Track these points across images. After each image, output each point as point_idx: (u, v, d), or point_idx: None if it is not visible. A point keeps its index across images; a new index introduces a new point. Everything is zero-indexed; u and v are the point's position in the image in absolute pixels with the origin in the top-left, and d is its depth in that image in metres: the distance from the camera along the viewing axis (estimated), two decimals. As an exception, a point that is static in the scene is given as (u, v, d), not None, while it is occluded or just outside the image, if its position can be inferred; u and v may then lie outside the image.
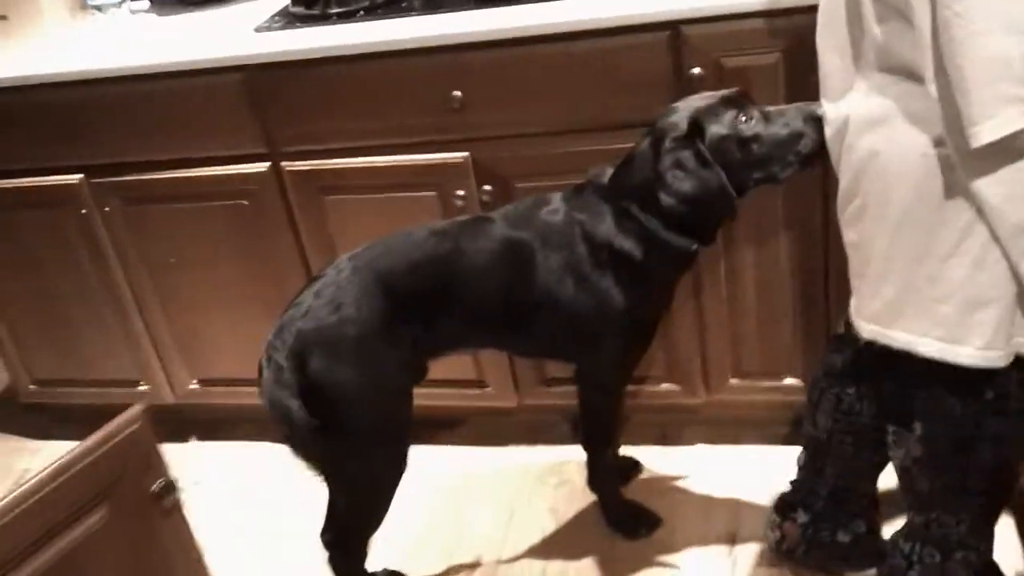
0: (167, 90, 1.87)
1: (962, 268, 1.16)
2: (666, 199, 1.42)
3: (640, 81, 1.65)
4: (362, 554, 1.67)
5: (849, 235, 1.31)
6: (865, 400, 1.48)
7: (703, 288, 1.83)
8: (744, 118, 1.41)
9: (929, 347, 1.22)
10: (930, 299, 1.20)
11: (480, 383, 2.02)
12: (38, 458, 2.28)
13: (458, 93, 1.73)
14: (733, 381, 1.92)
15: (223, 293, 2.06)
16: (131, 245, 2.06)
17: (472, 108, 1.74)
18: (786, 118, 1.41)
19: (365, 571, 1.70)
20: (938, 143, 1.13)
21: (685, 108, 1.45)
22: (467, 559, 1.86)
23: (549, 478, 2.02)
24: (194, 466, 2.21)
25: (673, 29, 1.61)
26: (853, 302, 1.33)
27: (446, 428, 2.18)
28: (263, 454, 2.15)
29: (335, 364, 1.46)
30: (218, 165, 1.92)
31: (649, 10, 1.61)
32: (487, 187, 1.80)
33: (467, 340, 1.64)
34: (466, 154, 1.79)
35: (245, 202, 1.95)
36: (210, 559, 1.31)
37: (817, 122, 1.36)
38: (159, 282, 2.09)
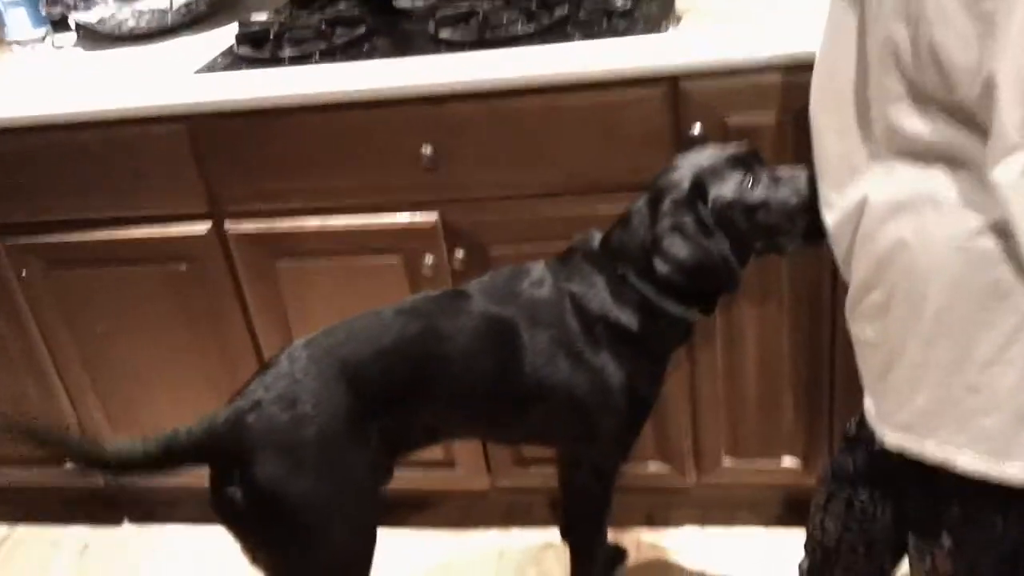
0: (95, 140, 1.65)
1: (1008, 377, 1.02)
2: (661, 267, 1.28)
3: (635, 139, 1.49)
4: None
5: (864, 332, 1.15)
6: (880, 505, 1.33)
7: (697, 360, 1.67)
8: (751, 181, 1.27)
9: (971, 462, 1.08)
10: (971, 411, 1.05)
11: (449, 463, 1.84)
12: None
13: (428, 149, 1.54)
14: (727, 461, 1.77)
15: (159, 367, 1.84)
16: (54, 313, 1.83)
17: (444, 165, 1.56)
18: (797, 183, 1.27)
19: None
20: (979, 234, 0.98)
21: (688, 166, 1.30)
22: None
23: (527, 568, 1.84)
24: (127, 554, 2.00)
25: (671, 83, 1.45)
26: (870, 405, 1.17)
27: (414, 511, 1.98)
28: (205, 539, 1.94)
29: (290, 471, 1.26)
30: (153, 225, 1.71)
31: (643, 63, 1.45)
32: (459, 254, 1.62)
33: (445, 433, 1.47)
34: (436, 216, 1.61)
35: (182, 267, 1.73)
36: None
37: None
38: (86, 354, 1.87)
